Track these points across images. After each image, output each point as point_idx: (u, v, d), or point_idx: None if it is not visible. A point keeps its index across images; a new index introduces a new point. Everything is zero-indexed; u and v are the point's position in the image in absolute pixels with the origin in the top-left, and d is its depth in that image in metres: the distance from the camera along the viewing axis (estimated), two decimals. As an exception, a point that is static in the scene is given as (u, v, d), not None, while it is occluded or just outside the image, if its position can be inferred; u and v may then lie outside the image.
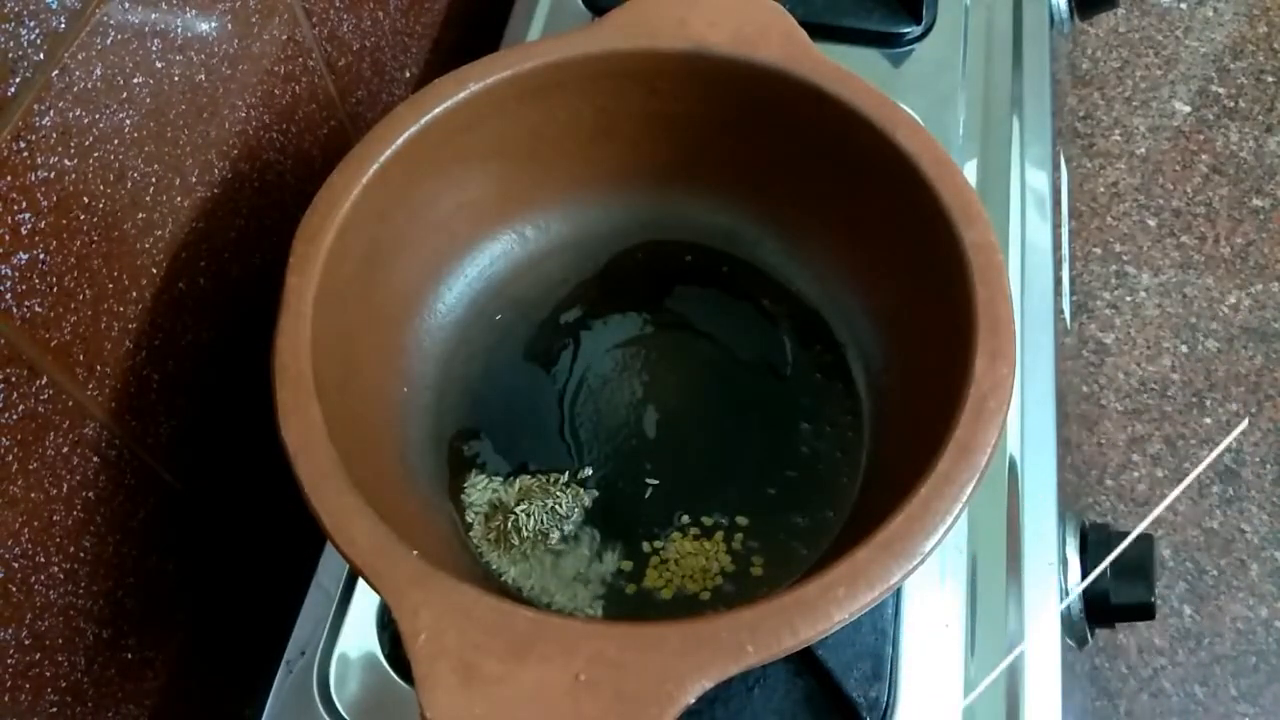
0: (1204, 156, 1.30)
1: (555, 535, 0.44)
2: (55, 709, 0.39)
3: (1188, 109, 1.33)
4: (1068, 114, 1.35)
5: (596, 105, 0.48)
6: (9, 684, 0.37)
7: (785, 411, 0.47)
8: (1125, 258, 1.24)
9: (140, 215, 0.39)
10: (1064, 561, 0.48)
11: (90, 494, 0.39)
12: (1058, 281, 0.56)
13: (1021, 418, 0.51)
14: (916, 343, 0.44)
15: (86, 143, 0.35)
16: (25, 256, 0.33)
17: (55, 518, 0.38)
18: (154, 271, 0.41)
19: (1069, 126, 1.34)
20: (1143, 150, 1.31)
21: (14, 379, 0.34)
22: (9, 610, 0.36)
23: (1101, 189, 1.29)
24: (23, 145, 0.32)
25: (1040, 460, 0.50)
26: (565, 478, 0.46)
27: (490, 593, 0.33)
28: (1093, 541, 0.49)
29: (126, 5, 0.36)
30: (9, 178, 0.32)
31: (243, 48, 0.44)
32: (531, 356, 0.49)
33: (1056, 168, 0.61)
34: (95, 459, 0.39)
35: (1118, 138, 1.32)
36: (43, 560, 0.37)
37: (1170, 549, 1.05)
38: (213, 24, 0.42)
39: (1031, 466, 0.50)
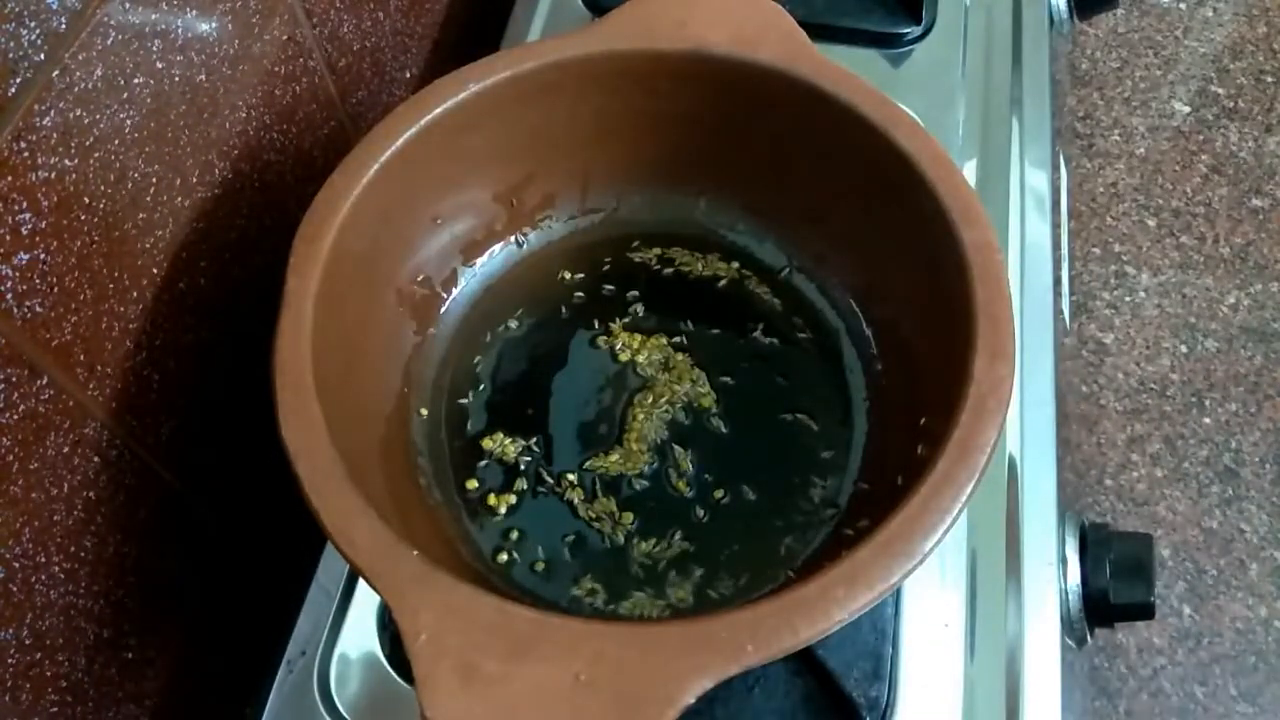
0: (1203, 156, 1.30)
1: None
2: (56, 708, 0.39)
3: (1187, 109, 1.33)
4: (1067, 114, 1.35)
5: (596, 105, 0.48)
6: (10, 683, 0.37)
7: (780, 410, 0.47)
8: (1125, 258, 1.24)
9: (141, 215, 0.39)
10: (1064, 561, 0.48)
11: (91, 494, 0.39)
12: (1057, 281, 0.57)
13: (1021, 418, 0.51)
14: (916, 342, 0.44)
15: (87, 143, 0.35)
16: (26, 257, 0.33)
17: (56, 517, 0.38)
18: (155, 272, 0.41)
19: (1068, 126, 1.34)
20: (1142, 150, 1.31)
21: (14, 379, 0.34)
22: (10, 610, 0.36)
23: (1101, 189, 1.29)
24: (23, 145, 0.32)
25: (1040, 460, 0.50)
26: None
27: (490, 593, 0.33)
28: (1092, 541, 0.49)
29: (127, 5, 0.36)
30: (10, 178, 0.32)
31: (243, 48, 0.44)
32: (531, 358, 0.50)
33: (1056, 168, 0.61)
34: (96, 459, 0.39)
35: (1117, 138, 1.32)
36: (43, 560, 0.37)
37: (1170, 548, 1.05)
38: (213, 24, 0.42)
39: (1031, 466, 0.50)
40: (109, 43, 0.36)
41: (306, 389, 0.36)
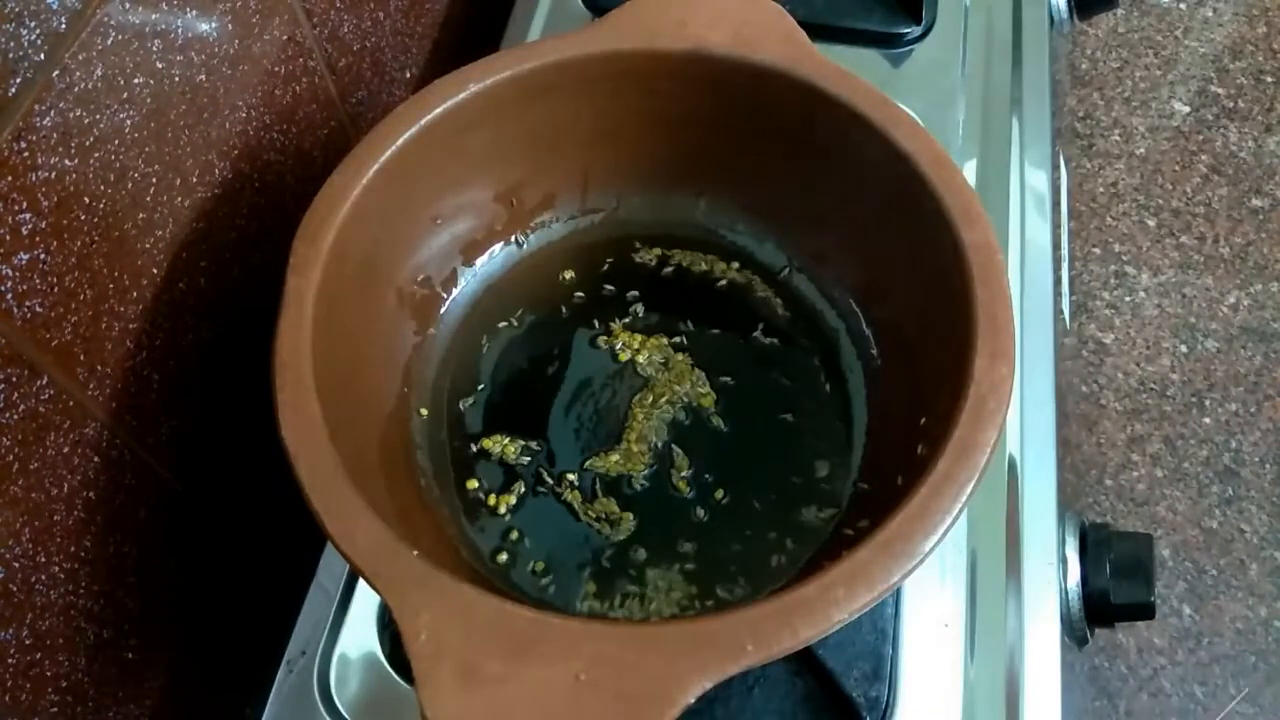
0: (1203, 156, 1.30)
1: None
2: (56, 708, 0.39)
3: (1187, 109, 1.33)
4: (1067, 114, 1.35)
5: (596, 105, 0.48)
6: (10, 683, 0.37)
7: (780, 410, 0.47)
8: (1125, 258, 1.24)
9: (141, 215, 0.39)
10: (1064, 561, 0.48)
11: (91, 494, 0.39)
12: (1057, 281, 0.57)
13: (1021, 418, 0.51)
14: (916, 343, 0.44)
15: (87, 143, 0.35)
16: (26, 256, 0.33)
17: (56, 518, 0.38)
18: (155, 272, 0.41)
19: (1068, 126, 1.34)
20: (1142, 150, 1.31)
21: (14, 379, 0.34)
22: (10, 610, 0.36)
23: (1101, 189, 1.29)
24: (24, 145, 0.32)
25: (1040, 460, 0.50)
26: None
27: (491, 593, 0.33)
28: (1092, 541, 0.49)
29: (127, 5, 0.36)
30: (10, 178, 0.32)
31: (243, 48, 0.44)
32: (531, 358, 0.50)
33: (1056, 168, 0.61)
34: (96, 459, 0.39)
35: (1117, 138, 1.32)
36: (43, 560, 0.37)
37: (1170, 548, 1.05)
38: (213, 24, 0.42)
39: (1031, 466, 0.50)
40: (109, 43, 0.36)
41: (306, 389, 0.36)
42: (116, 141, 0.37)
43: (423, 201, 0.47)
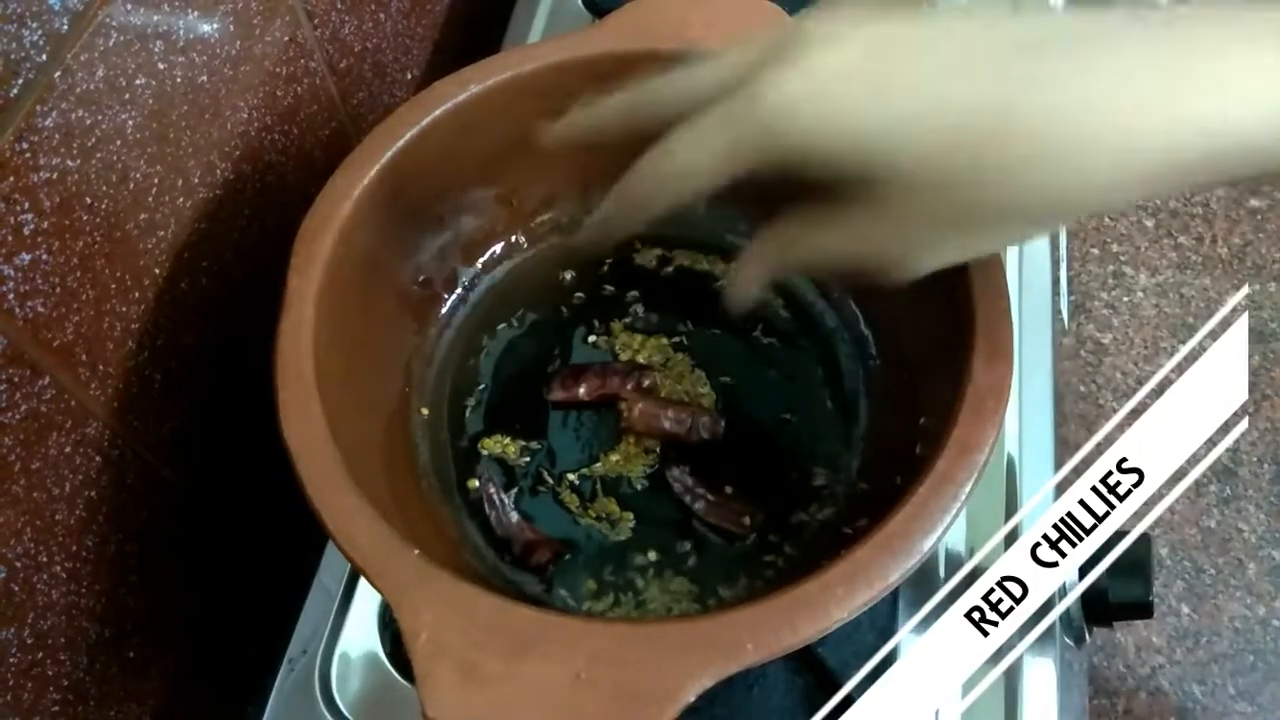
0: (1202, 157, 1.30)
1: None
2: (58, 708, 0.40)
3: (1186, 109, 1.33)
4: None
5: (597, 106, 0.48)
6: (12, 683, 0.37)
7: (779, 410, 0.48)
8: (1123, 258, 1.24)
9: (143, 216, 0.40)
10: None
11: (92, 493, 0.39)
12: (1055, 281, 0.57)
13: (1020, 417, 0.51)
14: (915, 342, 0.44)
15: (89, 144, 0.36)
16: (28, 257, 0.34)
17: (58, 517, 0.38)
18: (156, 272, 0.41)
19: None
20: (1141, 151, 1.31)
21: (16, 379, 0.34)
22: (12, 609, 0.36)
23: (1100, 189, 1.29)
24: (25, 146, 0.32)
25: (1039, 460, 0.50)
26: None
27: (491, 591, 0.33)
28: (1091, 541, 0.49)
29: (129, 7, 0.36)
30: (12, 178, 0.32)
31: (245, 49, 0.44)
32: (532, 359, 0.50)
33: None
34: (97, 459, 0.39)
35: (1116, 138, 1.32)
36: (45, 560, 0.37)
37: (1168, 548, 1.05)
38: (215, 25, 0.42)
39: (1030, 466, 0.50)
40: (111, 44, 0.36)
41: (308, 388, 0.37)
42: (118, 142, 0.37)
43: (423, 202, 0.47)
